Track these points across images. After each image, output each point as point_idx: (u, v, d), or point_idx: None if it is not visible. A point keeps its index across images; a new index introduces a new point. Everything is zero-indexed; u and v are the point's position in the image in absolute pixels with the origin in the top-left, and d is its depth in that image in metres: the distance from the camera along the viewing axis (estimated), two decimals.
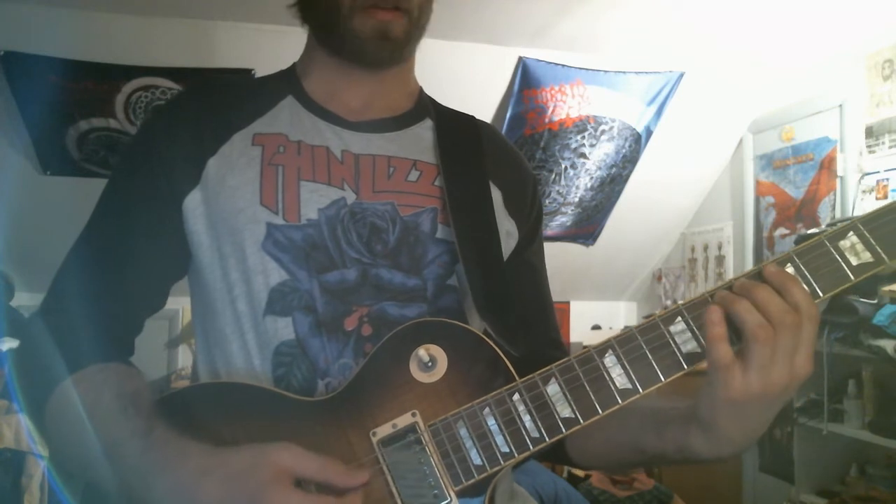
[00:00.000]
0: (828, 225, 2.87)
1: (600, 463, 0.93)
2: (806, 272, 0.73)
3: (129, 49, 2.95)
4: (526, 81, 3.37)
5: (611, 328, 4.54)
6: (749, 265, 3.75)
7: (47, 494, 2.45)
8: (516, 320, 0.95)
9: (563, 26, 3.06)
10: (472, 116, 1.05)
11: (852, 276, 0.73)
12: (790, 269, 0.73)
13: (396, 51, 0.90)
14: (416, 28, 0.90)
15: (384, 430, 0.77)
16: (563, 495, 2.89)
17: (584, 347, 0.76)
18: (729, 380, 0.69)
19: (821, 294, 0.73)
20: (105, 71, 2.98)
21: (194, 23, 2.93)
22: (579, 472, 3.74)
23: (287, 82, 0.97)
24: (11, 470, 2.45)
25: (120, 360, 0.86)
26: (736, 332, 0.71)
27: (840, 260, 0.73)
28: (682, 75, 3.49)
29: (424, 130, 0.99)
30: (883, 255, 0.72)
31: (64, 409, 0.80)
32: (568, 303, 4.44)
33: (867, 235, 0.73)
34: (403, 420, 0.77)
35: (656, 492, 3.44)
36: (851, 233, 0.73)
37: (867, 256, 0.73)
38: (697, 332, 0.74)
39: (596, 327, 4.42)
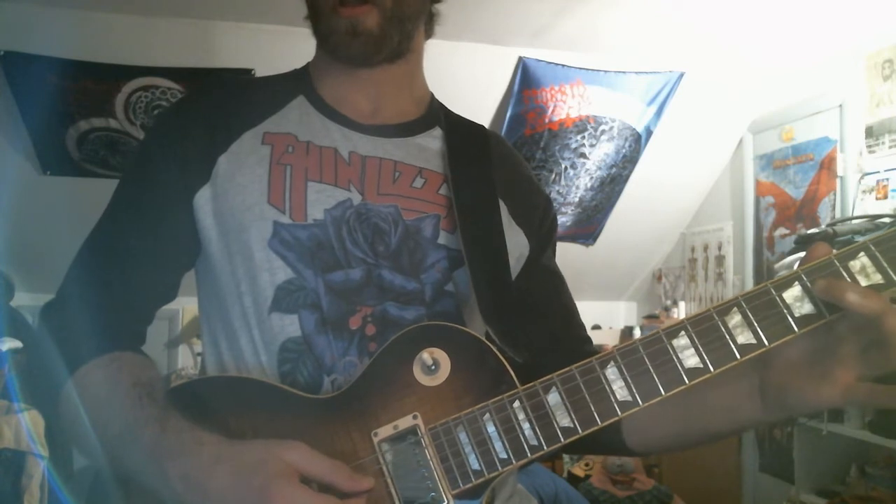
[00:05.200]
0: (828, 225, 2.87)
1: (660, 450, 0.97)
2: (813, 291, 0.72)
3: (129, 49, 2.95)
4: (526, 81, 3.37)
5: (611, 328, 4.55)
6: (749, 265, 3.75)
7: (47, 494, 2.45)
8: (544, 325, 0.99)
9: (563, 26, 3.06)
10: (482, 126, 1.06)
11: None
12: (797, 287, 0.72)
13: (372, 45, 0.89)
14: (393, 21, 0.88)
15: (385, 431, 0.77)
16: (563, 495, 2.89)
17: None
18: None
19: (826, 314, 0.72)
20: (105, 71, 2.98)
21: (194, 23, 2.93)
22: (579, 472, 3.75)
23: (299, 82, 0.98)
24: (11, 470, 2.45)
25: (133, 349, 0.88)
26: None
27: (849, 280, 0.71)
28: (682, 75, 3.50)
29: (433, 140, 0.99)
30: (894, 277, 0.71)
31: (81, 396, 0.81)
32: None
33: (879, 257, 0.71)
34: (405, 422, 0.77)
35: (656, 492, 3.44)
36: (862, 253, 0.71)
37: (878, 278, 0.71)
38: (700, 347, 0.74)
39: (596, 327, 4.43)
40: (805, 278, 0.72)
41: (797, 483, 3.02)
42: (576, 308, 1.06)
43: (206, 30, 2.96)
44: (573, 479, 3.64)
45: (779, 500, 3.19)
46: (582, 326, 1.05)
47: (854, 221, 2.78)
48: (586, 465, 3.75)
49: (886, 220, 2.67)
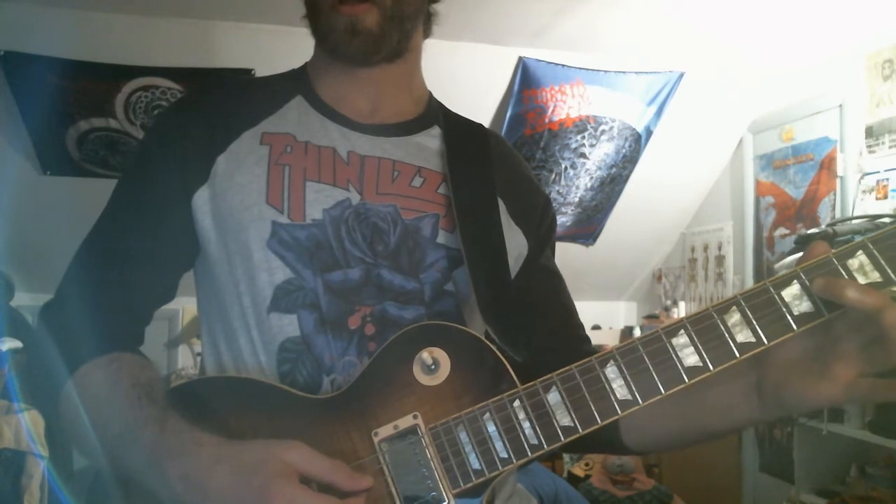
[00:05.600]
0: (828, 225, 2.87)
1: (658, 449, 0.97)
2: (812, 289, 0.72)
3: (129, 49, 2.96)
4: (526, 81, 3.37)
5: (611, 328, 4.55)
6: (749, 265, 3.75)
7: (47, 494, 2.45)
8: (543, 324, 0.99)
9: (563, 26, 3.06)
10: (481, 125, 1.06)
11: None
12: (796, 286, 0.72)
13: (371, 44, 0.89)
14: (392, 20, 0.88)
15: (386, 431, 0.78)
16: (563, 495, 2.89)
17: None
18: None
19: (825, 313, 0.72)
20: (105, 71, 2.98)
21: (194, 23, 2.93)
22: (579, 472, 3.75)
23: (297, 82, 0.98)
24: (11, 470, 2.44)
25: (132, 349, 0.88)
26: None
27: (847, 279, 0.71)
28: (682, 75, 3.50)
29: (431, 138, 0.99)
30: (892, 276, 0.71)
31: (80, 396, 0.82)
32: None
33: (877, 255, 0.71)
34: (405, 422, 0.78)
35: (656, 492, 3.44)
36: (861, 251, 0.71)
37: (875, 276, 0.71)
38: (700, 346, 0.74)
39: (596, 327, 4.43)
40: (804, 276, 0.73)
41: (797, 483, 3.02)
42: (574, 307, 1.06)
43: (206, 30, 2.96)
44: (573, 479, 3.64)
45: (779, 500, 3.19)
46: (580, 326, 1.05)
47: (854, 221, 2.78)
48: (586, 465, 3.75)
49: (886, 220, 2.67)
